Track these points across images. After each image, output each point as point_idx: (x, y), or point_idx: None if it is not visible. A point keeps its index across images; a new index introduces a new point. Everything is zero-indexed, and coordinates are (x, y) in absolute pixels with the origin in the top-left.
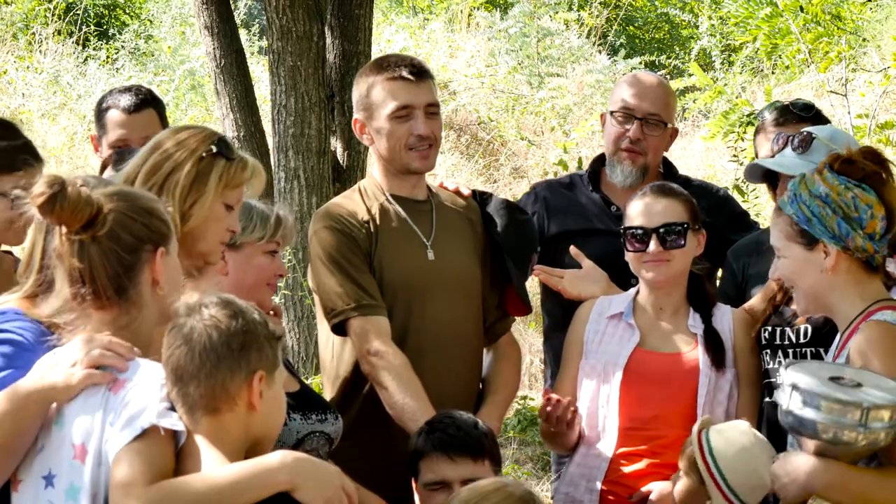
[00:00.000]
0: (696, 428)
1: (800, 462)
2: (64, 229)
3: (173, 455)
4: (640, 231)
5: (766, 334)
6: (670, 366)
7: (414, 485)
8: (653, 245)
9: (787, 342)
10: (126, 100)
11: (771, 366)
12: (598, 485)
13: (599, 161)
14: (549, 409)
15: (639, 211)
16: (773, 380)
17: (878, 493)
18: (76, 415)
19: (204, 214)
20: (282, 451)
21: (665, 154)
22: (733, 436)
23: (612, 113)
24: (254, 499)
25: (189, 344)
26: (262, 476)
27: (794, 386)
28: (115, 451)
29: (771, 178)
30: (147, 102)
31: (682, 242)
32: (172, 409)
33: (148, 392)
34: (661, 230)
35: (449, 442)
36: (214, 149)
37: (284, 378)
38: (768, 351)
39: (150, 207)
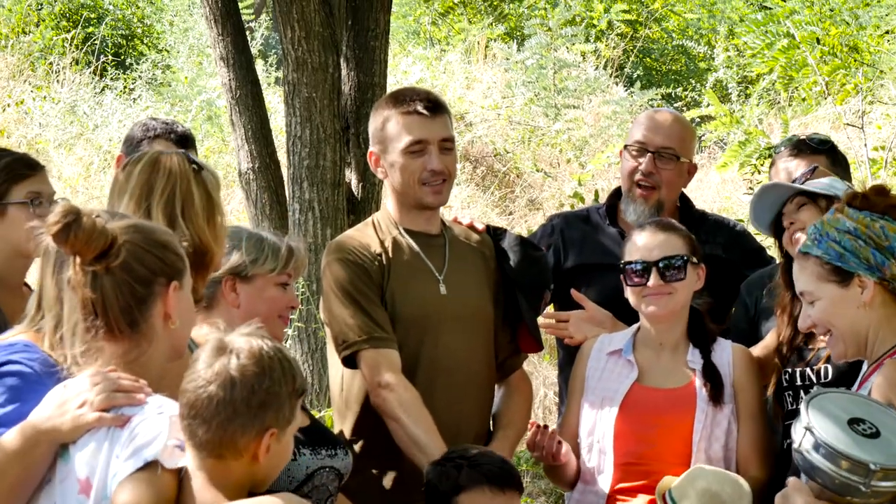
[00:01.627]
0: (658, 492)
1: (799, 500)
2: (78, 259)
3: (175, 489)
4: (639, 265)
5: (787, 376)
6: (667, 401)
7: None
8: (653, 279)
9: (808, 383)
10: (176, 133)
11: (793, 407)
12: None
13: (616, 195)
14: (537, 438)
15: (638, 245)
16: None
17: None
18: (80, 449)
19: (224, 230)
20: (274, 496)
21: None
22: (690, 487)
23: (626, 147)
24: None
25: (208, 388)
26: None
27: (808, 428)
28: (118, 481)
29: (777, 229)
30: (189, 139)
31: (683, 276)
32: (179, 444)
33: (155, 426)
34: (661, 264)
35: (497, 475)
36: (195, 166)
37: (298, 426)
38: (790, 392)
39: (165, 241)
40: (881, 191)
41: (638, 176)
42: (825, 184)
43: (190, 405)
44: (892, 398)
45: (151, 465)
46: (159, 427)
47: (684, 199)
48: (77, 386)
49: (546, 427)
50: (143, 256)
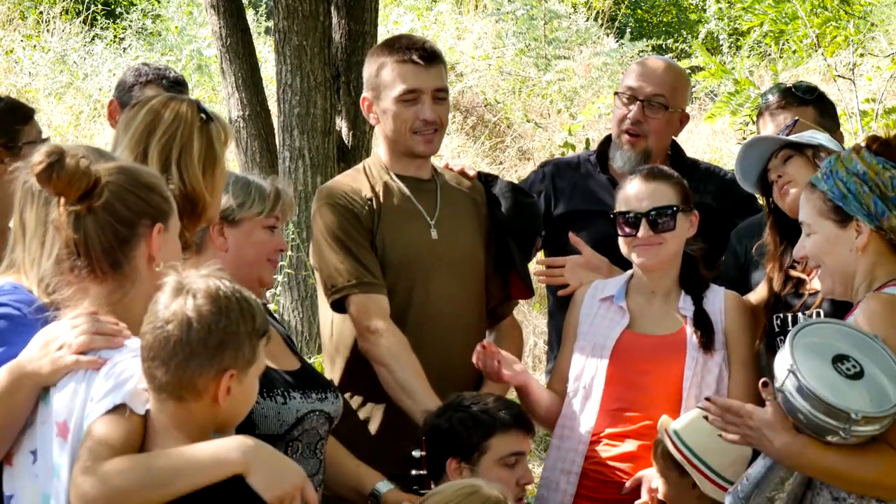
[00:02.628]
0: (660, 428)
1: (779, 434)
2: (62, 200)
3: (141, 433)
4: (630, 215)
5: (778, 321)
6: (658, 348)
7: (452, 462)
8: (643, 229)
9: None
10: (169, 78)
11: None
12: (577, 467)
13: (607, 142)
14: (478, 356)
15: (628, 195)
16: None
17: (850, 474)
18: (60, 391)
19: (222, 181)
20: (243, 436)
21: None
22: (697, 423)
23: (617, 94)
24: (208, 477)
25: (165, 329)
26: (216, 454)
27: (792, 370)
28: (89, 422)
29: (764, 186)
30: (184, 83)
31: (673, 226)
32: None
33: (129, 369)
34: (652, 214)
35: (525, 417)
36: (203, 116)
37: (262, 368)
38: (782, 338)
39: (150, 183)
40: None
41: (626, 124)
42: (806, 136)
43: (148, 347)
44: (871, 328)
45: (121, 408)
46: (133, 370)
47: (676, 148)
48: (58, 328)
49: (486, 346)
50: (126, 197)
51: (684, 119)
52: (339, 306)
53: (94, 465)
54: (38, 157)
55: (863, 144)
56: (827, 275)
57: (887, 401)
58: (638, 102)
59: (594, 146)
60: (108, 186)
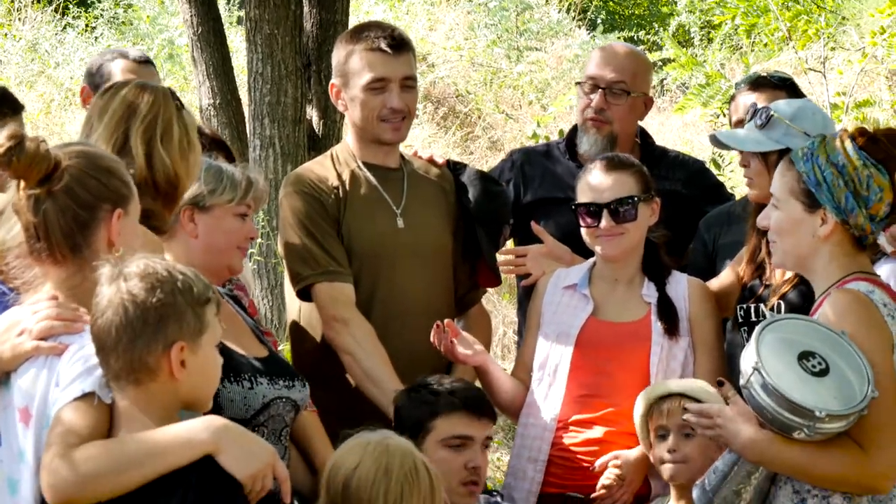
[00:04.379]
0: (674, 387)
1: (743, 428)
2: (22, 183)
3: (108, 421)
4: (591, 206)
5: (742, 312)
6: (623, 335)
7: None
8: (605, 220)
9: (762, 319)
10: (134, 53)
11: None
12: (544, 454)
13: (575, 131)
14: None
15: (589, 185)
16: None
17: (813, 470)
18: (20, 377)
19: (198, 167)
20: (212, 416)
21: (641, 124)
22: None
23: (579, 83)
24: (178, 459)
25: (105, 316)
26: (186, 435)
27: (756, 367)
28: (55, 410)
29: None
30: (150, 61)
31: (634, 215)
32: None
33: (94, 356)
34: (613, 204)
35: (474, 401)
36: (178, 103)
37: (218, 337)
38: (746, 329)
39: (110, 167)
40: (892, 137)
41: (589, 113)
42: (790, 111)
43: (96, 338)
44: (839, 325)
45: (89, 396)
46: (95, 357)
47: (644, 136)
48: (19, 313)
49: (440, 324)
50: (86, 181)
51: (648, 103)
52: (304, 295)
53: (64, 452)
54: None
55: (849, 134)
56: (780, 250)
57: (853, 398)
58: (600, 90)
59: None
60: (69, 170)
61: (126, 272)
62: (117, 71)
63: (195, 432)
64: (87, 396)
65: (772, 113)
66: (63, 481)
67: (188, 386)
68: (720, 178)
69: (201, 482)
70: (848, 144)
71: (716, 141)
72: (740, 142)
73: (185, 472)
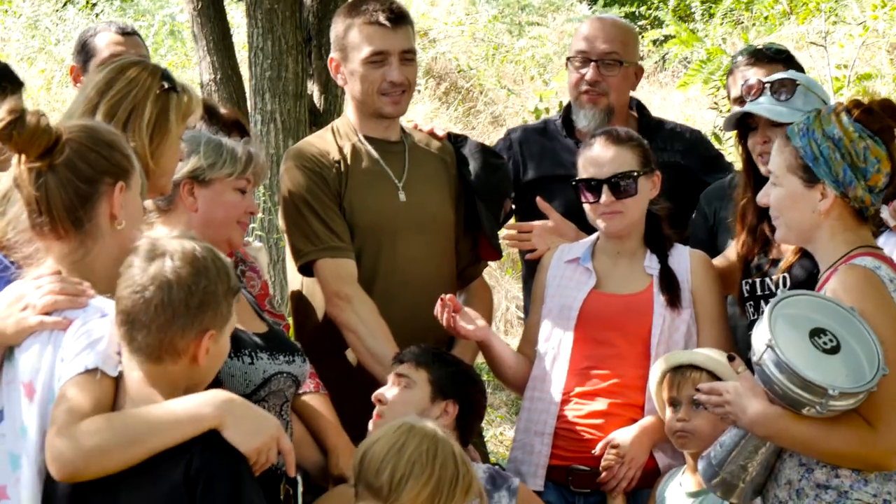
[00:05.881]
0: (686, 358)
1: (752, 403)
2: (23, 157)
3: (112, 394)
4: (591, 182)
5: (747, 287)
6: (625, 307)
7: None
8: (604, 196)
9: (767, 293)
10: (118, 26)
11: (756, 318)
12: (550, 427)
13: (570, 107)
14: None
15: (589, 161)
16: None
17: (821, 445)
18: (24, 352)
19: (171, 151)
20: (216, 390)
21: (633, 94)
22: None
23: (569, 59)
24: (184, 432)
25: (145, 292)
26: (191, 409)
27: (770, 344)
28: (60, 384)
29: (742, 125)
30: (136, 32)
31: (635, 190)
32: (119, 351)
33: (98, 330)
34: (613, 180)
35: (399, 352)
36: (166, 84)
37: (234, 326)
38: (751, 303)
39: (111, 140)
40: (887, 107)
41: (583, 87)
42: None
43: (127, 311)
44: (848, 302)
45: (93, 371)
46: (102, 331)
47: (641, 108)
48: (22, 288)
49: (443, 298)
50: (87, 155)
51: (639, 73)
52: (306, 270)
53: (69, 426)
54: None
55: (844, 107)
56: (784, 225)
57: (863, 376)
58: (592, 63)
59: None
60: (69, 144)
61: (169, 250)
62: (102, 45)
63: (200, 406)
64: (90, 371)
65: (797, 83)
66: (68, 455)
67: (203, 371)
68: (730, 162)
69: (205, 454)
70: (843, 117)
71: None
72: (777, 114)
73: (188, 445)
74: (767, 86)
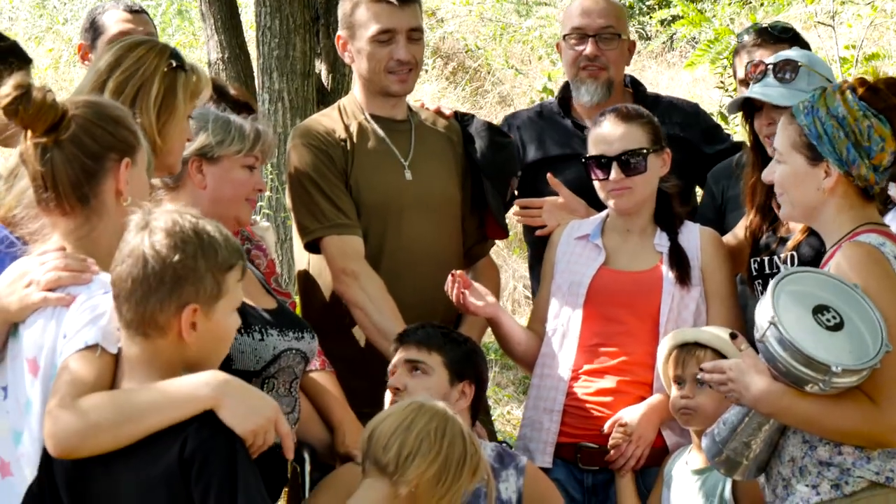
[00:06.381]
0: (692, 336)
1: (756, 380)
2: (29, 133)
3: (112, 371)
4: (601, 159)
5: (756, 265)
6: (634, 284)
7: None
8: (614, 173)
9: (775, 271)
10: (125, 3)
11: None
12: (559, 405)
13: (567, 87)
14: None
15: (599, 138)
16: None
17: (825, 422)
18: (29, 328)
19: (178, 129)
20: (213, 371)
21: (643, 73)
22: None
23: (565, 37)
24: (180, 412)
25: (125, 265)
26: (187, 389)
27: (773, 321)
28: (62, 359)
29: (748, 106)
30: (143, 10)
31: (644, 167)
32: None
33: (100, 307)
34: (622, 157)
35: (404, 333)
36: (174, 63)
37: (237, 303)
38: (760, 282)
39: (117, 116)
40: (892, 85)
41: (583, 62)
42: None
43: (113, 285)
44: (852, 278)
45: (93, 347)
46: (105, 307)
47: (634, 83)
48: (28, 264)
49: (454, 274)
50: (93, 130)
51: (632, 47)
52: (312, 247)
53: (68, 401)
54: (6, 90)
55: (849, 85)
56: (788, 202)
57: (866, 353)
58: (590, 39)
59: None
60: (75, 119)
61: (153, 225)
62: (111, 22)
63: (196, 387)
64: (91, 347)
65: (799, 64)
66: (64, 431)
67: (196, 348)
68: (729, 132)
69: (199, 434)
70: (848, 95)
71: (736, 106)
72: (780, 97)
73: (184, 425)
74: (770, 67)
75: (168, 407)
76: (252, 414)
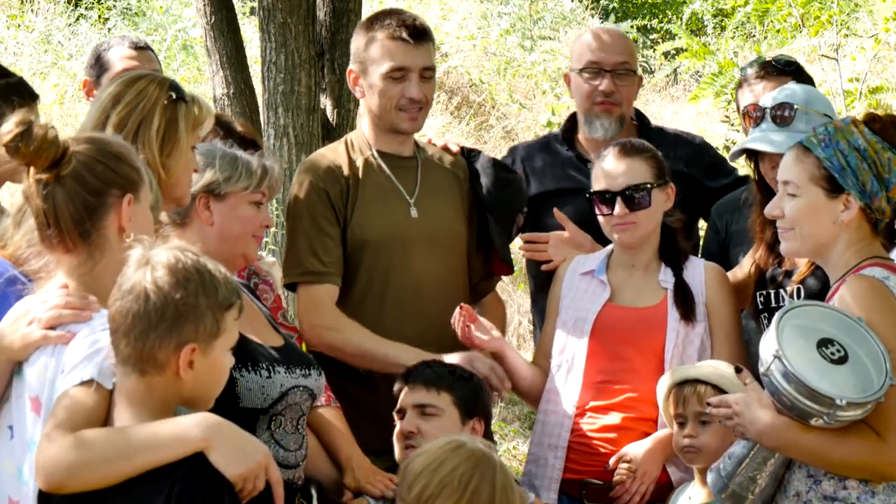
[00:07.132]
0: (692, 373)
1: (761, 414)
2: (31, 170)
3: (106, 407)
4: (605, 194)
5: (762, 299)
6: (639, 320)
7: None
8: (618, 208)
9: (781, 304)
10: (130, 40)
11: None
12: (564, 441)
13: (572, 120)
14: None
15: (603, 173)
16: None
17: (830, 456)
18: (31, 366)
19: (183, 161)
20: (206, 413)
21: (644, 106)
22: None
23: (580, 71)
24: (169, 454)
25: (125, 300)
26: (178, 431)
27: (777, 355)
28: (58, 394)
29: (750, 149)
30: (149, 47)
31: (648, 202)
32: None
33: (99, 342)
34: (627, 192)
35: (409, 373)
36: (174, 95)
37: (233, 342)
38: (766, 315)
39: (119, 152)
40: None
41: (598, 98)
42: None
43: (112, 320)
44: (856, 312)
45: (88, 382)
46: (103, 342)
47: (640, 117)
48: (30, 303)
49: (462, 307)
50: (94, 167)
51: (640, 82)
52: (292, 287)
53: (59, 436)
54: (7, 126)
55: (861, 119)
56: (799, 237)
57: (871, 386)
58: (607, 74)
59: None
60: (77, 156)
61: (155, 261)
62: (116, 59)
63: (187, 428)
64: (86, 383)
65: (795, 107)
66: (54, 466)
67: (191, 386)
68: (734, 166)
69: (188, 477)
70: (864, 128)
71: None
72: (780, 145)
73: (173, 467)
74: (767, 111)
75: (158, 447)
76: (243, 458)
